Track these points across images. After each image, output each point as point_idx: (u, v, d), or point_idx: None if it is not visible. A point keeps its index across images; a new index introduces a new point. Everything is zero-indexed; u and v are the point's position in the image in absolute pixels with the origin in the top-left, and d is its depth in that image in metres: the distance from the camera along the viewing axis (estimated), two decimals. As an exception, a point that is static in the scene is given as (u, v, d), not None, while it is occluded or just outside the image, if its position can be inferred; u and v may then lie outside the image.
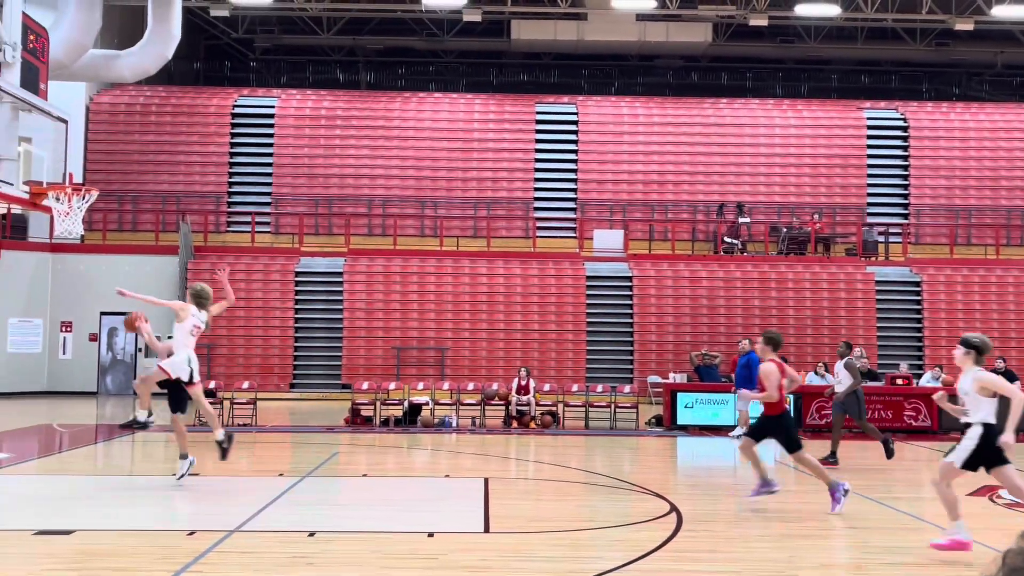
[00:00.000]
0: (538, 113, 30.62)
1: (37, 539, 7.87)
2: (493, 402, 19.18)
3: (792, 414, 11.47)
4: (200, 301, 10.64)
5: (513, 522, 9.08)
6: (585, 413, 19.15)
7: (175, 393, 10.83)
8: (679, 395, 18.74)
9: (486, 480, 11.38)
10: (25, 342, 25.63)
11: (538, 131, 30.37)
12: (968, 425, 7.61)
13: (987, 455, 7.43)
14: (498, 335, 26.37)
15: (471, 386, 20.32)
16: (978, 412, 7.54)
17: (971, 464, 7.51)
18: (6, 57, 14.12)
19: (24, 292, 25.73)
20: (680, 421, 18.45)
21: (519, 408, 18.75)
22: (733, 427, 17.27)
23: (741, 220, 28.56)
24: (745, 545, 8.23)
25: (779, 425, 9.78)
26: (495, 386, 20.06)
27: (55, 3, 24.33)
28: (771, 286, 26.91)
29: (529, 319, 26.50)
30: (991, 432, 7.43)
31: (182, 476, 10.66)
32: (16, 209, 24.78)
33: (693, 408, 18.40)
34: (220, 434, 10.66)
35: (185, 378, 10.55)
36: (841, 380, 13.79)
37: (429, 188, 29.80)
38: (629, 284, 26.92)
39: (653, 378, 24.94)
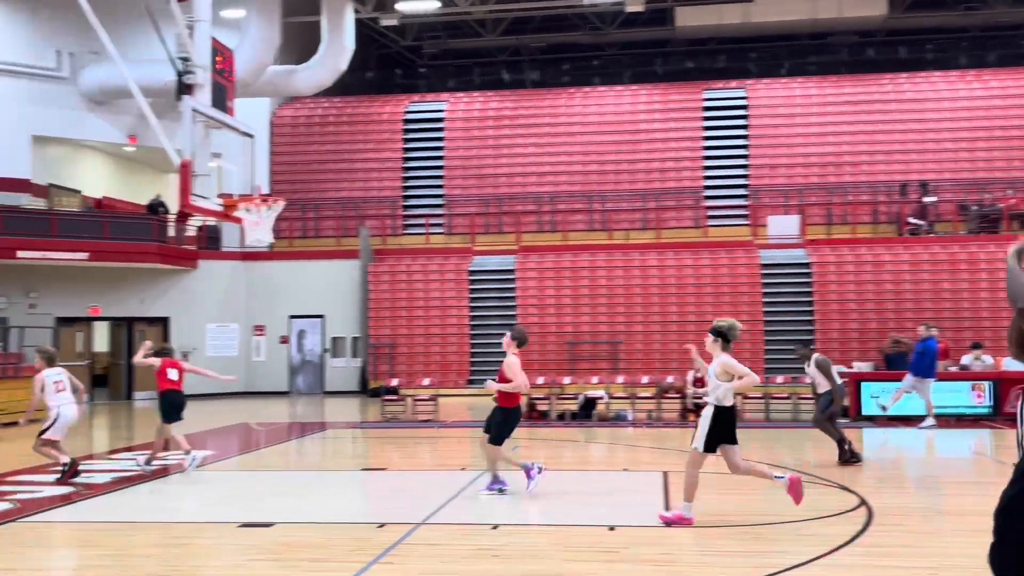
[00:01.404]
0: (705, 100, 30.08)
1: (241, 531, 8.38)
2: (669, 395, 19.00)
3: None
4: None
5: (696, 515, 8.97)
6: (765, 405, 18.70)
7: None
8: (864, 385, 18.01)
9: (665, 474, 11.30)
10: (223, 346, 27.31)
11: (706, 118, 29.84)
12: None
13: (720, 434, 8.11)
14: (671, 327, 26.08)
15: (646, 379, 20.20)
16: (714, 393, 8.20)
17: (711, 446, 8.17)
18: (198, 79, 15.09)
19: (220, 299, 27.40)
20: (866, 411, 17.74)
21: (696, 401, 18.48)
22: (923, 417, 16.45)
23: (926, 199, 27.14)
24: (940, 541, 7.84)
25: None
26: (670, 379, 19.85)
27: (238, 24, 25.76)
28: (962, 267, 25.45)
29: (703, 310, 26.06)
30: (722, 413, 8.13)
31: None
32: (210, 221, 26.45)
33: (880, 398, 17.64)
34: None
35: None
36: (815, 380, 12.56)
37: (597, 182, 29.79)
38: (807, 271, 26.07)
39: (836, 368, 24.02)
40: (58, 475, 11.23)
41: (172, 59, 15.30)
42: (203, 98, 15.13)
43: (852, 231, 27.05)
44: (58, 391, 11.41)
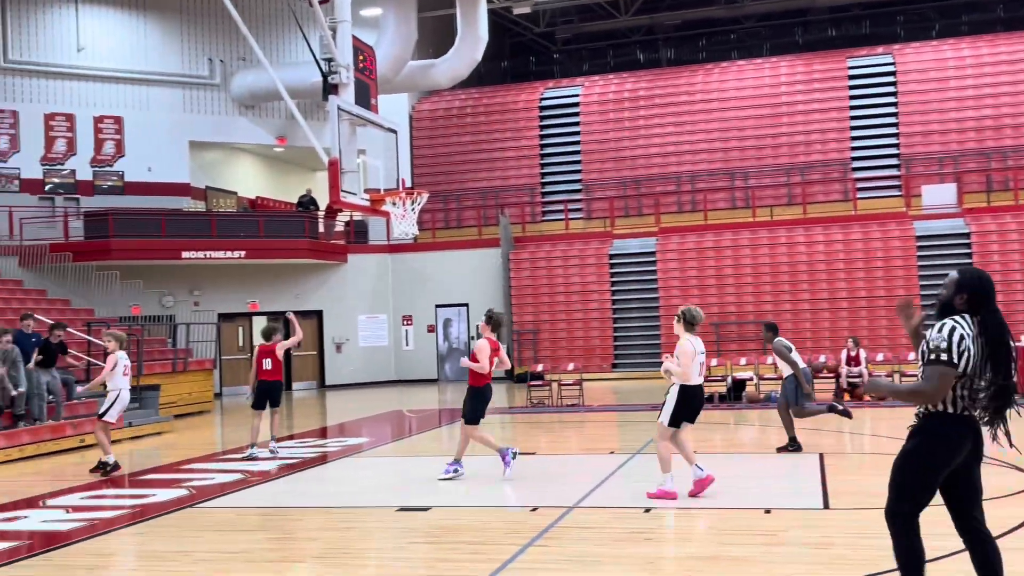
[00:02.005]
0: (850, 68, 28.98)
1: (400, 515, 8.65)
2: (821, 375, 18.48)
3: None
4: None
5: (854, 498, 8.73)
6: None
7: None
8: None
9: (821, 455, 11.02)
10: (374, 336, 28.15)
11: (851, 87, 28.75)
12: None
13: (686, 412, 8.75)
14: (822, 304, 25.34)
15: (797, 359, 19.67)
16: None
17: (676, 421, 8.71)
18: (342, 78, 15.52)
19: (369, 291, 28.23)
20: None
21: (850, 380, 17.93)
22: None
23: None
24: None
25: None
26: (823, 358, 19.31)
27: (376, 23, 26.38)
28: None
29: (855, 286, 25.22)
30: (686, 392, 8.70)
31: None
32: (357, 216, 27.26)
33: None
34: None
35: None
36: (778, 366, 11.82)
37: (738, 159, 29.17)
38: (967, 240, 24.83)
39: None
40: (99, 469, 11.78)
41: (317, 60, 15.79)
42: (347, 96, 15.58)
43: (1014, 197, 25.59)
44: (123, 374, 12.03)
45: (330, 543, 7.64)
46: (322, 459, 12.87)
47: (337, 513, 8.92)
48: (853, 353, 18.10)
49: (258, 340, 14.08)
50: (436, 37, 30.47)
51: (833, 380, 18.27)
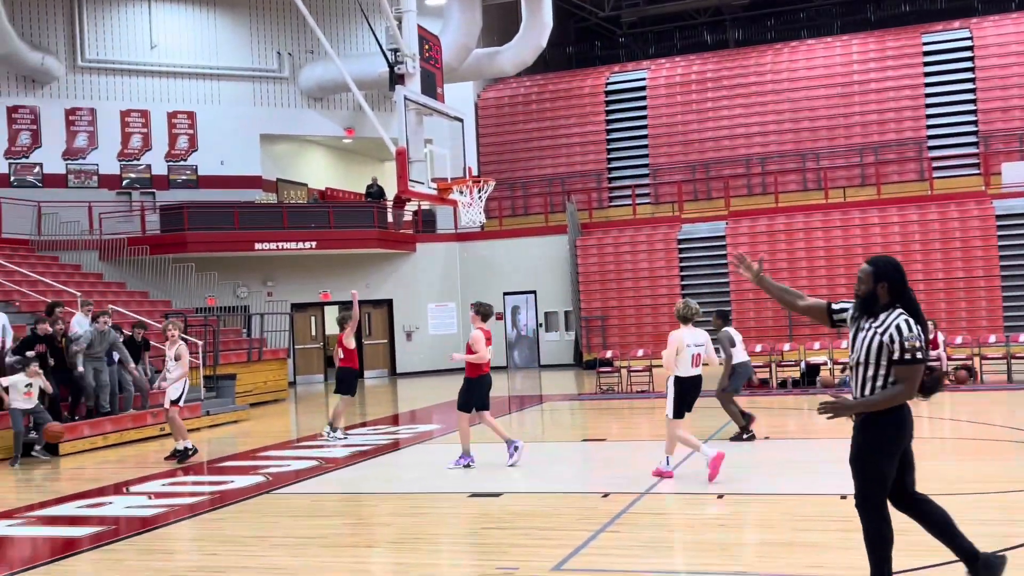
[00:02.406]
0: (925, 44, 28.21)
1: (472, 500, 8.72)
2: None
3: None
4: None
5: (933, 484, 8.52)
6: (1007, 365, 17.47)
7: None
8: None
9: (898, 440, 10.78)
10: (442, 325, 28.35)
11: (926, 63, 27.99)
12: None
13: (685, 403, 9.12)
14: (897, 287, 24.75)
15: None
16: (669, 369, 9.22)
17: (679, 412, 9.07)
18: (408, 68, 15.66)
19: (437, 279, 28.42)
20: None
21: (928, 364, 17.47)
22: None
23: None
24: None
25: None
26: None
27: (440, 11, 26.49)
28: None
29: (931, 268, 24.60)
30: (680, 383, 9.13)
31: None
32: (425, 205, 27.45)
33: None
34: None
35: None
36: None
37: (809, 140, 28.64)
38: (1049, 220, 24.04)
39: None
40: (174, 456, 11.99)
41: (383, 51, 15.93)
42: (414, 86, 15.71)
43: (1101, 174, 24.68)
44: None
45: (404, 528, 7.73)
46: (394, 446, 13.02)
47: (410, 499, 9.02)
48: (931, 336, 17.64)
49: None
50: (501, 24, 30.47)
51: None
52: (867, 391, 4.93)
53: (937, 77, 27.80)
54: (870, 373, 4.92)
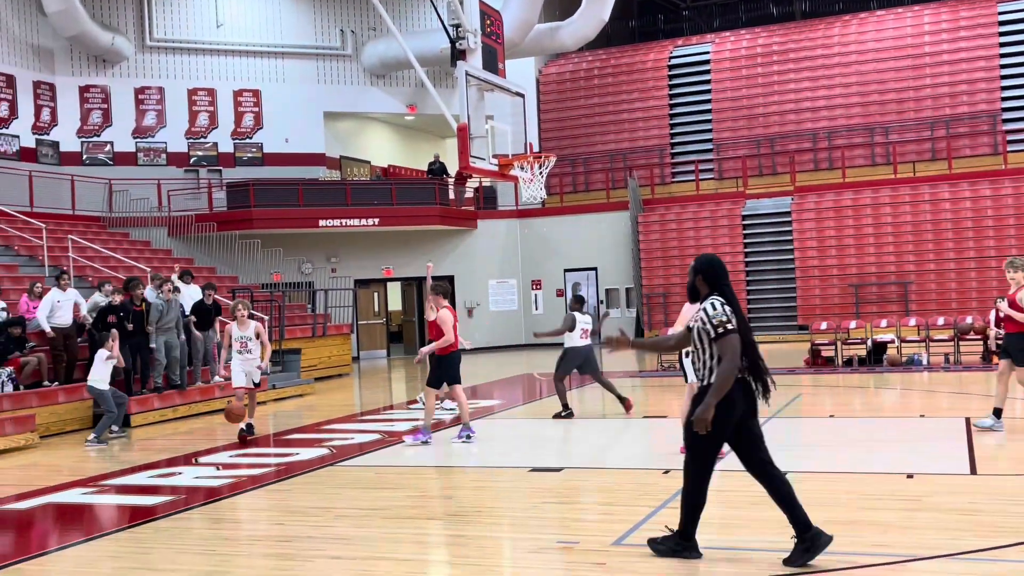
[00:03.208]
0: (1000, 14, 27.35)
1: (532, 475, 8.76)
2: (968, 337, 17.66)
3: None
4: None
5: (1004, 464, 8.38)
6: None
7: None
8: None
9: (967, 420, 10.58)
10: (503, 301, 28.44)
11: (1002, 33, 27.14)
12: None
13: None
14: (968, 264, 24.20)
15: (941, 321, 18.92)
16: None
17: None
18: (469, 44, 15.65)
19: (499, 256, 28.49)
20: None
21: (999, 342, 17.07)
22: None
23: None
24: None
25: None
26: (969, 319, 18.45)
27: (502, -13, 26.40)
28: None
29: (1004, 243, 23.94)
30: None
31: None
32: (487, 181, 27.49)
33: None
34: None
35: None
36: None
37: (878, 113, 28.00)
38: None
39: None
40: (244, 431, 11.90)
41: (445, 27, 15.95)
42: (475, 62, 15.70)
43: None
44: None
45: (465, 501, 7.81)
46: (456, 421, 13.12)
47: (471, 473, 9.10)
48: (1003, 314, 17.21)
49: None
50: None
51: (981, 342, 17.45)
52: (708, 373, 5.59)
53: (1013, 48, 26.96)
54: (704, 357, 5.61)
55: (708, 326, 5.55)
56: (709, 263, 5.83)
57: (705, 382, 5.58)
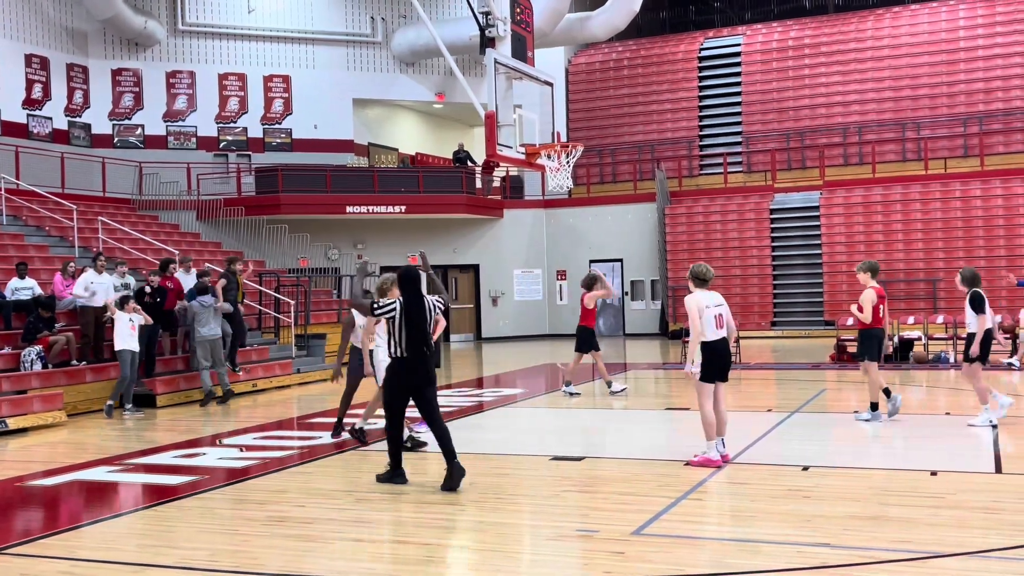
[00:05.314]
0: (1038, 9, 26.98)
1: (554, 464, 8.77)
2: (997, 335, 17.45)
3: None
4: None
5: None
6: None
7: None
8: None
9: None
10: (528, 290, 28.43)
11: (1039, 29, 26.78)
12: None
13: (713, 369, 8.48)
14: (998, 262, 23.91)
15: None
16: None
17: (706, 376, 8.46)
18: (499, 31, 15.62)
19: (524, 246, 28.47)
20: None
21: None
22: None
23: None
24: None
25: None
26: (998, 318, 18.24)
27: (533, -24, 26.29)
28: None
29: (1037, 243, 23.66)
30: (706, 348, 8.47)
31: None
32: (513, 171, 27.46)
33: None
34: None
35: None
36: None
37: (909, 108, 27.71)
38: None
39: None
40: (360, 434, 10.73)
41: (475, 13, 15.92)
42: (504, 49, 15.66)
43: None
44: None
45: (486, 488, 7.83)
46: (478, 408, 13.16)
47: (493, 459, 9.12)
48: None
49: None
50: (593, -11, 30.10)
51: (1010, 340, 17.26)
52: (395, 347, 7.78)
53: (1050, 43, 26.58)
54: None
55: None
56: (406, 275, 7.86)
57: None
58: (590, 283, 14.00)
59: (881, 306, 10.48)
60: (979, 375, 10.28)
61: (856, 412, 10.94)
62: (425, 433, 10.31)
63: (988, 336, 10.28)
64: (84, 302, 14.06)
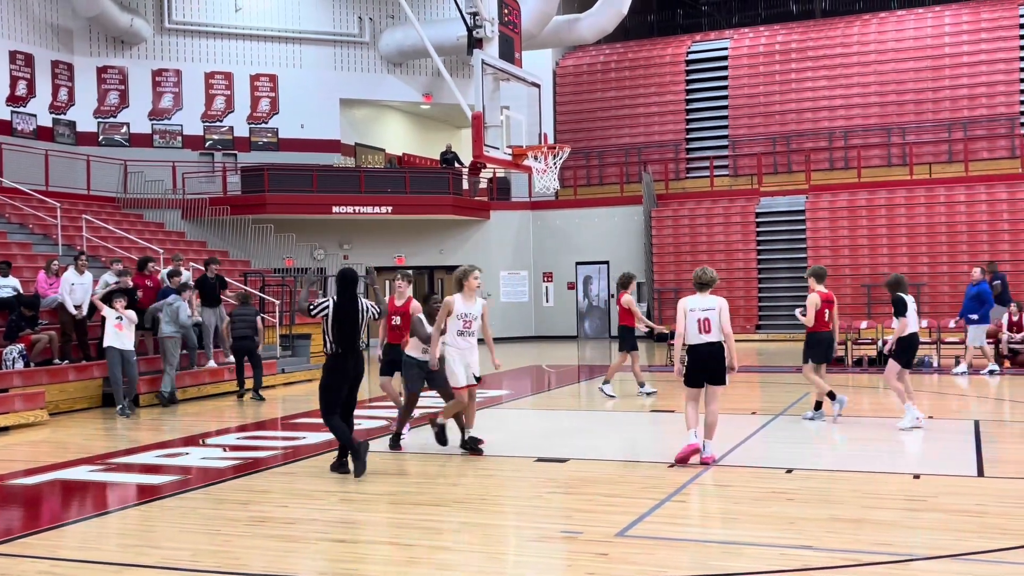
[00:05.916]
0: (1022, 16, 27.16)
1: (538, 465, 8.76)
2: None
3: None
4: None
5: (1012, 467, 8.34)
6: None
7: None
8: None
9: (976, 422, 10.54)
10: (514, 292, 28.43)
11: (1023, 36, 26.95)
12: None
13: (696, 372, 8.64)
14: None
15: (952, 323, 18.81)
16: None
17: (689, 380, 8.70)
18: (486, 32, 15.61)
19: (510, 247, 28.47)
20: None
21: (1011, 346, 17.01)
22: None
23: None
24: None
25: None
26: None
27: (521, -22, 26.31)
28: None
29: (1020, 248, 23.82)
30: (690, 351, 8.64)
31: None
32: (500, 172, 27.46)
33: None
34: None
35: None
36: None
37: (895, 114, 27.86)
38: None
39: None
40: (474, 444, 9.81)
41: (463, 14, 15.91)
42: (492, 50, 15.65)
43: None
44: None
45: (470, 489, 7.82)
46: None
47: (477, 461, 9.09)
48: (1016, 318, 17.16)
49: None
50: (581, -9, 30.15)
51: (993, 346, 17.36)
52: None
53: (1034, 51, 26.77)
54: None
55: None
56: (342, 277, 8.47)
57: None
58: (627, 282, 13.96)
59: (827, 311, 10.76)
60: (893, 376, 10.48)
61: (806, 413, 11.25)
62: (409, 435, 10.33)
63: (913, 339, 10.58)
64: (67, 299, 14.00)
